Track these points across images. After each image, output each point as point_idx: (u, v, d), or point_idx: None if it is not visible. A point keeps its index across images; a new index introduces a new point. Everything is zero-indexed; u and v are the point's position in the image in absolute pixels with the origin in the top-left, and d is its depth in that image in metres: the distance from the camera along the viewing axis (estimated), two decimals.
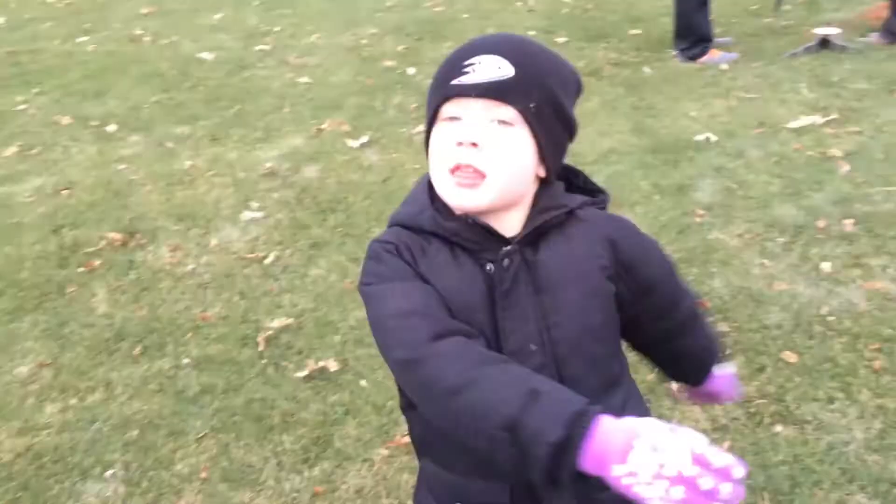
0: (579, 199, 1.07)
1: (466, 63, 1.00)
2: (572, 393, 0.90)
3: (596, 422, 0.85)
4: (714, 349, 1.26)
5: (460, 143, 0.99)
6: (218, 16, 6.56)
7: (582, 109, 3.75)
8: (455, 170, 1.00)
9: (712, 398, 1.32)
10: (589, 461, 0.84)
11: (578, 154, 3.56)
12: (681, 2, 4.58)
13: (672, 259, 1.20)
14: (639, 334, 1.17)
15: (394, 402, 2.25)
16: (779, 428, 2.03)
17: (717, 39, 4.70)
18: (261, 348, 2.55)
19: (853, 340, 2.29)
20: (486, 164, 0.99)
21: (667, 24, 5.10)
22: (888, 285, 2.52)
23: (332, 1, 6.80)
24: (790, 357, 2.26)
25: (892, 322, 2.35)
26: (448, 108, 1.02)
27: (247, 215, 3.36)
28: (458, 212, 1.03)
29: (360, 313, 2.65)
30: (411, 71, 4.87)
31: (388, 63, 5.04)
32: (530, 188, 1.05)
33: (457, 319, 0.99)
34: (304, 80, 4.91)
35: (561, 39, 5.19)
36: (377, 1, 6.68)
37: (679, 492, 0.79)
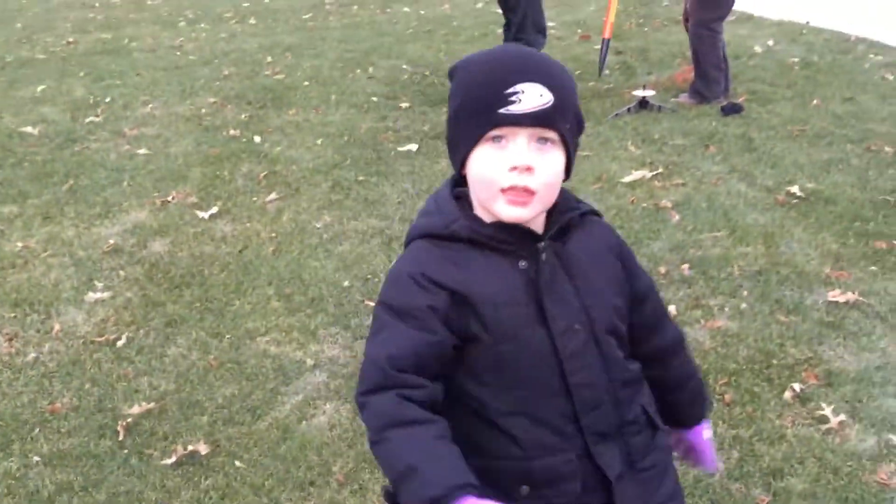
0: (586, 206, 1.23)
1: (510, 92, 1.08)
2: (448, 471, 1.02)
3: None
4: (702, 385, 1.34)
5: (514, 168, 1.09)
6: (40, 88, 6.20)
7: (431, 171, 3.87)
8: (508, 190, 1.10)
9: (696, 455, 1.38)
10: None
11: None
12: None
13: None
14: (636, 350, 1.24)
15: (273, 482, 2.17)
16: None
17: None
18: (121, 437, 2.38)
19: (704, 377, 2.46)
20: (536, 184, 1.11)
21: None
22: (727, 323, 2.75)
23: (165, 70, 6.63)
24: None
25: (734, 357, 2.56)
26: (493, 132, 1.10)
27: (91, 296, 3.16)
28: (507, 222, 1.13)
29: (228, 390, 2.56)
30: (257, 139, 4.82)
31: (233, 132, 4.97)
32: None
33: (502, 317, 1.12)
34: (143, 151, 4.73)
35: (404, 105, 5.35)
36: (213, 69, 6.59)
37: None
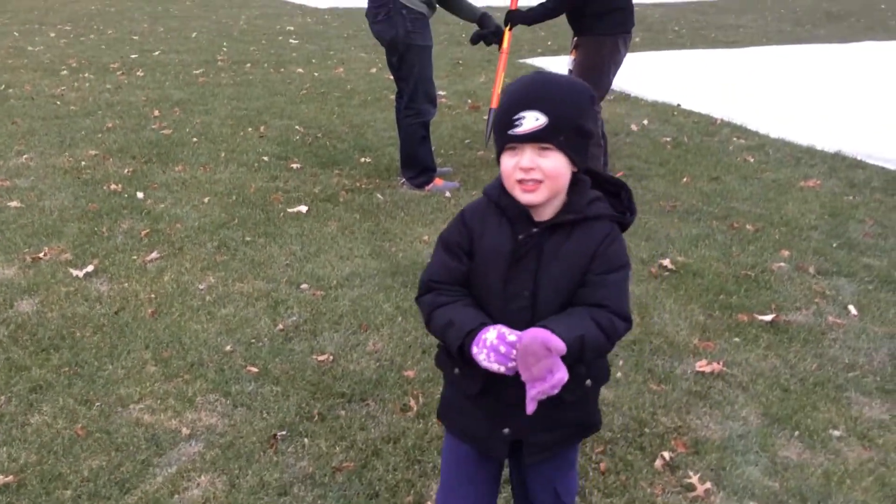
0: (601, 212, 1.56)
1: (515, 118, 1.48)
2: (473, 317, 1.55)
3: (474, 335, 1.51)
4: (570, 331, 1.49)
5: (521, 169, 1.50)
6: None
7: (321, 234, 3.88)
8: (520, 182, 1.51)
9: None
10: (470, 350, 1.52)
11: (322, 279, 3.65)
12: (405, 135, 4.95)
13: (617, 282, 1.56)
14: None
15: None
16: None
17: (440, 169, 5.14)
18: None
19: (581, 446, 2.53)
20: (539, 175, 1.50)
21: (393, 153, 5.49)
22: (603, 392, 2.78)
23: (45, 120, 6.37)
24: None
25: (610, 425, 2.65)
26: (509, 146, 1.52)
27: None
28: (523, 204, 1.54)
29: (95, 462, 2.42)
30: (140, 195, 4.68)
31: (114, 187, 4.81)
32: (568, 181, 1.54)
33: (485, 261, 1.58)
34: (14, 204, 4.50)
35: (295, 165, 5.34)
36: (96, 121, 6.39)
37: (492, 362, 1.48)
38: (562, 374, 1.43)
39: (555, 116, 1.47)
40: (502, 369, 1.48)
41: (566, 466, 1.80)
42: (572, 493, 1.83)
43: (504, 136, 1.51)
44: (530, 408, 1.47)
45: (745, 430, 2.65)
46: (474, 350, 1.50)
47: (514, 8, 5.04)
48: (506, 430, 1.65)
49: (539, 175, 1.50)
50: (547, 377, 1.43)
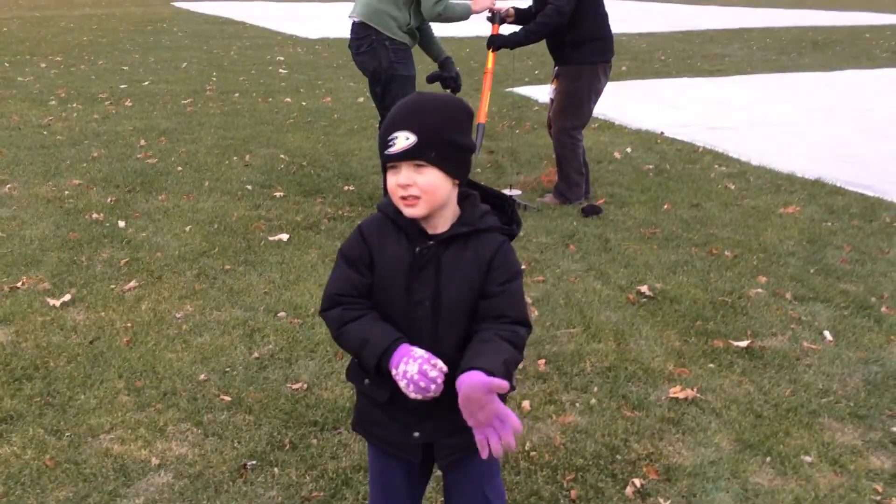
0: (491, 224, 1.65)
1: (389, 138, 1.58)
2: (386, 333, 1.62)
3: (392, 352, 1.59)
4: (494, 360, 1.55)
5: (400, 185, 1.59)
6: None
7: (301, 262, 3.87)
8: (403, 198, 1.60)
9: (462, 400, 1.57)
10: (388, 368, 1.60)
11: (300, 307, 3.65)
12: None
13: (516, 291, 1.66)
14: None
15: None
16: None
17: None
18: None
19: (553, 473, 2.54)
20: (417, 191, 1.58)
21: (377, 181, 5.52)
22: (577, 419, 2.85)
23: (30, 150, 6.40)
24: None
25: (582, 452, 2.65)
26: (389, 164, 1.61)
27: None
28: (408, 217, 1.63)
29: (62, 493, 2.41)
30: (121, 224, 4.69)
31: (96, 216, 4.82)
32: (451, 194, 1.63)
33: (386, 275, 1.65)
34: None
35: (279, 194, 5.36)
36: (81, 150, 6.41)
37: (411, 391, 1.57)
38: (512, 418, 1.51)
39: (424, 134, 1.57)
40: (419, 397, 1.58)
41: (493, 471, 1.84)
42: (502, 497, 1.86)
43: (382, 156, 1.63)
44: (483, 453, 1.52)
45: (717, 456, 2.65)
46: (393, 372, 1.59)
47: (495, 33, 5.11)
48: (416, 434, 1.72)
49: (416, 191, 1.59)
50: (495, 423, 1.50)
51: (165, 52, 12.98)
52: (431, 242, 1.62)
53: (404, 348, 1.59)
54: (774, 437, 2.76)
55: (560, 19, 4.83)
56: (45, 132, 7.07)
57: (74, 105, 8.32)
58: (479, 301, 1.64)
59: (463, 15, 4.76)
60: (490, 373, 1.50)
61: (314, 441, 2.69)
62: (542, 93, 8.14)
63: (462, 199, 1.67)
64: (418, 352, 1.59)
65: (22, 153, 6.29)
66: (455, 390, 1.52)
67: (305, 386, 3.02)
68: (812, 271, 4.19)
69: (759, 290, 3.94)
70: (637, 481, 2.49)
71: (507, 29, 5.11)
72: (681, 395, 2.99)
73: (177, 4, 24.64)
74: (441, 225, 1.64)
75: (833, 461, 2.64)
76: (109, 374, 3.08)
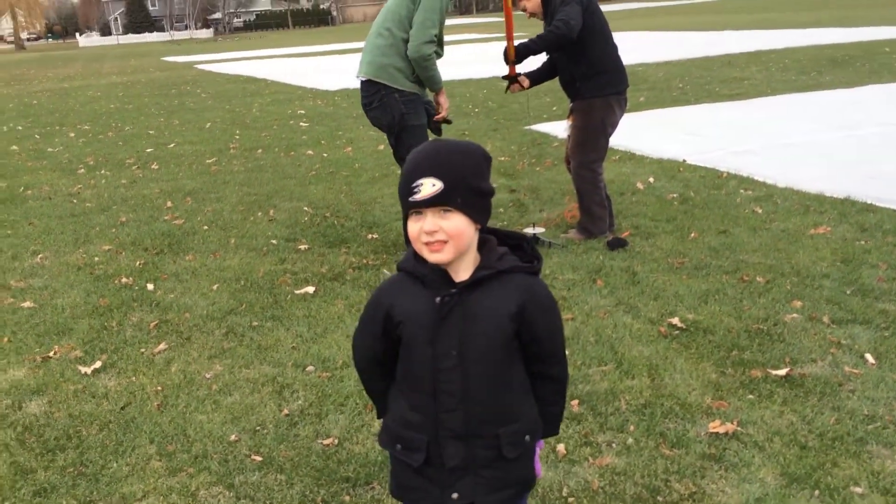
0: (511, 264, 1.65)
1: (414, 186, 1.58)
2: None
3: None
4: (556, 417, 1.78)
5: (427, 231, 1.59)
6: None
7: (328, 314, 3.85)
8: (427, 244, 1.60)
9: None
10: None
11: (328, 360, 3.63)
12: None
13: (560, 332, 1.73)
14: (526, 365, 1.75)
15: None
16: None
17: None
18: None
19: None
20: (444, 236, 1.59)
21: (399, 227, 5.52)
22: (614, 460, 2.77)
23: (61, 219, 6.53)
24: None
25: (622, 496, 2.57)
26: (413, 211, 1.62)
27: None
28: (432, 263, 1.62)
29: None
30: (150, 287, 4.74)
31: (125, 280, 4.87)
32: (473, 239, 1.64)
33: (411, 331, 1.65)
34: (27, 304, 4.57)
35: (303, 247, 5.39)
36: (110, 216, 6.53)
37: None
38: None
39: (449, 181, 1.58)
40: None
41: None
42: None
43: (406, 202, 1.62)
44: None
45: (762, 492, 2.55)
46: None
47: (512, 74, 5.12)
48: (454, 496, 1.71)
49: (443, 236, 1.60)
50: None
51: (189, 113, 13.28)
52: (454, 290, 1.62)
53: None
54: (821, 468, 2.66)
55: (568, 30, 4.75)
56: (74, 200, 7.22)
57: (102, 171, 8.51)
58: (527, 343, 1.68)
59: (436, 80, 4.75)
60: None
61: (347, 498, 2.65)
62: (561, 129, 8.15)
63: (480, 246, 1.67)
64: None
65: (53, 222, 6.42)
66: (488, 445, 1.64)
67: (336, 441, 2.98)
68: (848, 292, 4.09)
69: (795, 316, 3.84)
70: None
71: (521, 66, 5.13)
72: (721, 430, 2.90)
73: (200, 67, 25.26)
74: (463, 271, 1.64)
75: (885, 490, 2.53)
76: (141, 440, 3.07)
